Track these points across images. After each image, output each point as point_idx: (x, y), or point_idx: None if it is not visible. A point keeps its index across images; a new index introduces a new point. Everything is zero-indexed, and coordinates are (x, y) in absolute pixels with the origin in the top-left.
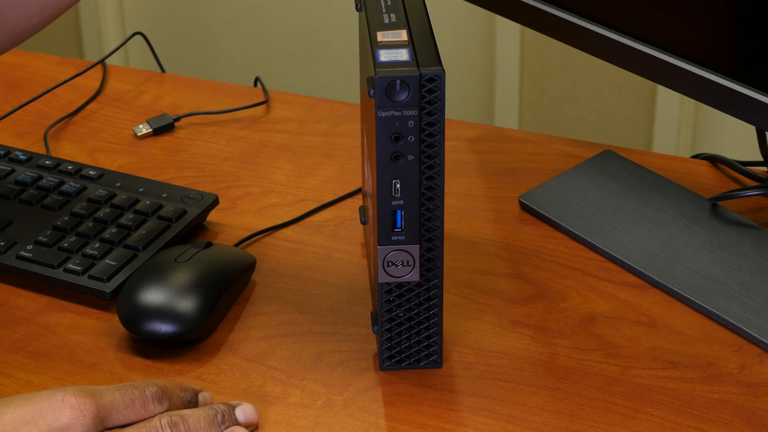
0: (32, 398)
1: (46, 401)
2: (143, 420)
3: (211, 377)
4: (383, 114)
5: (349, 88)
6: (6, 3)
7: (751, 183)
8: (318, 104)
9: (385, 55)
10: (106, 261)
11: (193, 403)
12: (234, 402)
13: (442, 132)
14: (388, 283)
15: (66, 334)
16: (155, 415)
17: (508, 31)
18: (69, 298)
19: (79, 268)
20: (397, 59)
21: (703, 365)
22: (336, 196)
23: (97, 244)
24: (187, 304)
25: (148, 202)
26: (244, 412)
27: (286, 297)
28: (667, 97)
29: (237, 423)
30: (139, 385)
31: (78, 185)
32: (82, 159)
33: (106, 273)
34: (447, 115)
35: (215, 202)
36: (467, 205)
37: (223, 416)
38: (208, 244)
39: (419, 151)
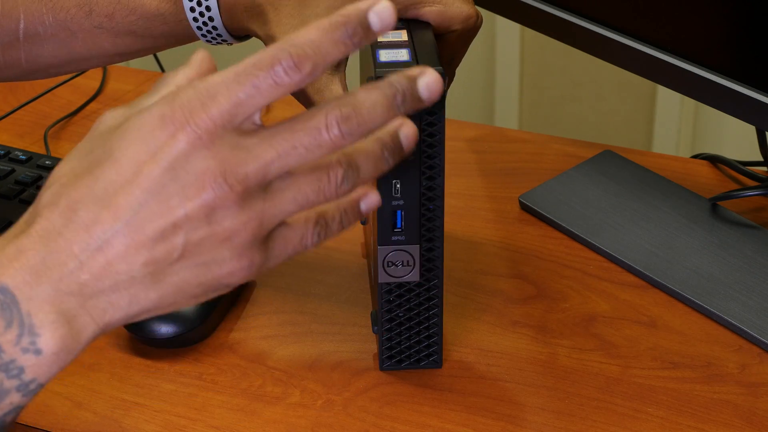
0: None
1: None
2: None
3: (211, 377)
4: None
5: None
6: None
7: (751, 183)
8: None
9: (385, 55)
10: None
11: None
12: (415, 71)
13: (442, 132)
14: (388, 283)
15: None
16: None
17: (508, 31)
18: None
19: None
20: (397, 59)
21: (703, 365)
22: None
23: None
24: None
25: None
26: (424, 81)
27: (286, 297)
28: (667, 97)
29: (420, 100)
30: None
31: None
32: None
33: None
34: (447, 115)
35: None
36: (467, 205)
37: (404, 96)
38: None
39: (419, 151)
